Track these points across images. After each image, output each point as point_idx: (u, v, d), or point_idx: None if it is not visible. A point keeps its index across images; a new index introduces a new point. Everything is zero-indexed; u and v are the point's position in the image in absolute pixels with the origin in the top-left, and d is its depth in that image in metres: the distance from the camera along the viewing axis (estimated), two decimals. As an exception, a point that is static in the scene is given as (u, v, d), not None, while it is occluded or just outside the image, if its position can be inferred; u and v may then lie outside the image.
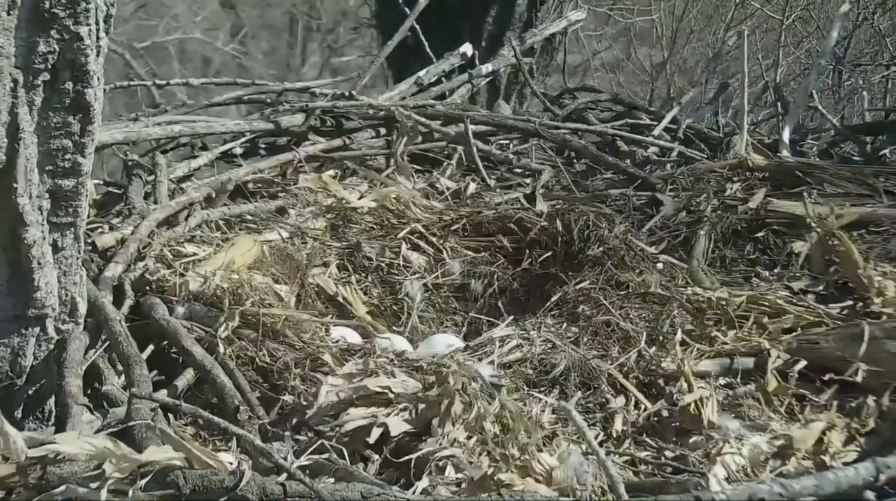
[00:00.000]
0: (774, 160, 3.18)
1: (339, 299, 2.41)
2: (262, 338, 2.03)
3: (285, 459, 1.51)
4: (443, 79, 4.32)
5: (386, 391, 1.77)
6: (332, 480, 1.54)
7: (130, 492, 1.34)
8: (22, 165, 1.52)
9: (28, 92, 1.50)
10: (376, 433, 1.68)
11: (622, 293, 2.32)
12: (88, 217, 2.04)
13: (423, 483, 1.58)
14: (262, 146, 3.59)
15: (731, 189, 2.94)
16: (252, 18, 13.26)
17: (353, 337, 2.21)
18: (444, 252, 2.66)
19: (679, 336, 2.10)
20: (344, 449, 1.66)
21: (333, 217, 2.74)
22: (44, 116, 1.54)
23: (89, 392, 1.82)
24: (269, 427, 1.74)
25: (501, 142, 3.77)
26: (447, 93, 4.23)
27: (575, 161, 3.63)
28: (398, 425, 1.70)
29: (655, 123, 3.98)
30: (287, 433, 1.73)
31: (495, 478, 1.55)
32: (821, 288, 2.40)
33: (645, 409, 1.91)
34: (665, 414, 1.89)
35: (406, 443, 1.69)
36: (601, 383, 1.96)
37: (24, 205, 1.54)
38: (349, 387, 1.78)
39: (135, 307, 2.13)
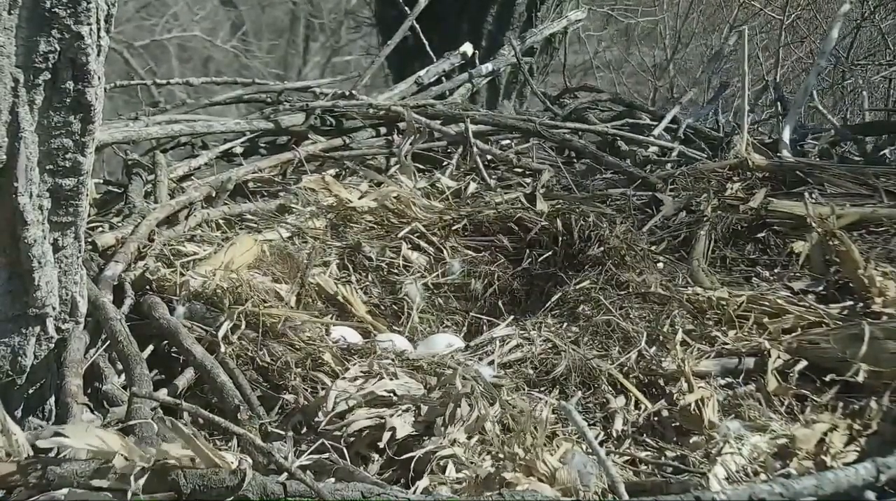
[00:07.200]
0: (775, 160, 3.17)
1: (339, 299, 2.41)
2: (262, 338, 2.03)
3: (286, 459, 1.51)
4: (443, 78, 4.31)
5: (390, 394, 1.77)
6: (333, 480, 1.54)
7: (129, 493, 1.33)
8: (22, 164, 1.52)
9: (29, 91, 1.50)
10: (386, 436, 1.68)
11: (622, 293, 2.31)
12: (89, 216, 2.04)
13: (424, 482, 1.58)
14: (263, 145, 3.59)
15: (732, 189, 2.93)
16: (253, 17, 13.25)
17: (353, 337, 2.21)
18: (445, 251, 2.65)
19: (679, 336, 2.10)
20: (345, 449, 1.66)
21: (334, 216, 2.74)
22: (44, 115, 1.54)
23: (89, 391, 1.82)
24: (269, 426, 1.74)
25: (502, 141, 3.77)
26: (447, 93, 4.22)
27: (575, 161, 3.63)
28: (404, 427, 1.70)
29: (656, 123, 3.98)
30: (288, 433, 1.73)
31: (499, 477, 1.54)
32: (821, 288, 2.40)
33: (645, 409, 1.91)
34: (665, 414, 1.89)
35: (408, 444, 1.69)
36: (601, 383, 1.96)
37: (25, 205, 1.54)
38: (358, 394, 1.78)
39: (135, 306, 2.13)
